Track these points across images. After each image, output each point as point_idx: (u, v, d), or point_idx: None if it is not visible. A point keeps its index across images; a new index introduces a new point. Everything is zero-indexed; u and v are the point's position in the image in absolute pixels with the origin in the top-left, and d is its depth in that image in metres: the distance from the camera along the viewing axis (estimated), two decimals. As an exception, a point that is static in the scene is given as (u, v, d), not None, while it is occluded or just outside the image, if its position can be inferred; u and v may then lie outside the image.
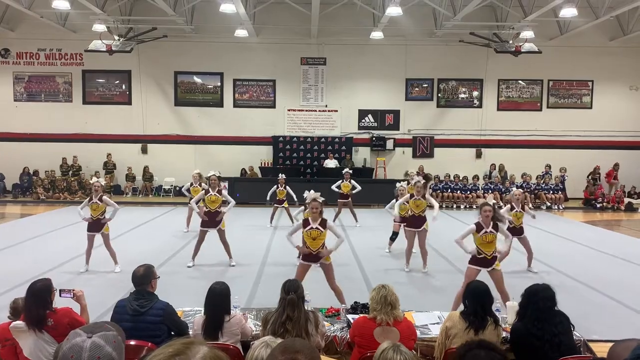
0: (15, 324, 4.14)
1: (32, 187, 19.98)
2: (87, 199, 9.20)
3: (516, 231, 9.30)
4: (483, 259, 6.57)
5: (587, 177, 20.36)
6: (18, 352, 4.13)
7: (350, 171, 14.58)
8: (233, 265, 9.56)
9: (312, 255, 6.69)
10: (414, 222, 9.35)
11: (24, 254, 10.41)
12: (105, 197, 9.16)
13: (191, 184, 13.04)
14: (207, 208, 9.55)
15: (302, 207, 9.75)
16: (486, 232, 6.58)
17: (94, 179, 9.53)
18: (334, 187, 13.63)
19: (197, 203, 10.20)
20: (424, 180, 9.53)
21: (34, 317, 4.08)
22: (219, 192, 9.65)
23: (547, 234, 13.49)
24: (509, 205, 9.48)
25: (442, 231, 11.43)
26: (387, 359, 2.82)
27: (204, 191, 9.84)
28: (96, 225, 9.00)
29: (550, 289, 4.29)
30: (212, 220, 9.47)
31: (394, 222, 10.83)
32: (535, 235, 13.03)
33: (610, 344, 2.54)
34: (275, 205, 13.78)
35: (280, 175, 13.95)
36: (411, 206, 9.35)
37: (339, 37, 20.21)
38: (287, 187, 13.65)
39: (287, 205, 13.66)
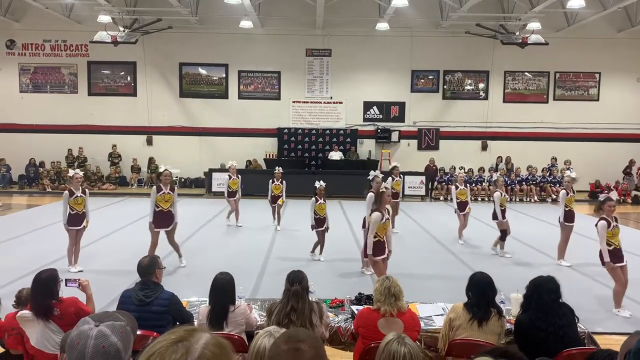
0: (22, 314, 4.18)
1: (38, 178, 20.08)
2: (68, 195, 8.48)
3: (572, 216, 9.43)
4: (615, 251, 6.95)
5: (623, 171, 20.19)
6: (25, 341, 4.17)
7: (398, 165, 13.02)
8: (183, 266, 8.82)
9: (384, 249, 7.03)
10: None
11: (30, 245, 10.48)
12: (86, 190, 8.87)
13: (230, 177, 12.67)
14: (158, 208, 8.62)
15: (313, 199, 9.64)
16: (614, 225, 7.06)
17: (72, 172, 8.82)
18: (387, 185, 11.88)
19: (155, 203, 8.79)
20: (382, 175, 8.82)
21: (41, 307, 4.12)
22: (172, 189, 8.80)
23: (552, 226, 13.44)
24: (564, 191, 9.50)
25: (446, 224, 11.42)
26: (392, 351, 2.82)
27: (155, 188, 8.74)
28: (80, 218, 8.58)
29: (554, 281, 4.28)
30: (166, 220, 8.69)
31: (498, 219, 10.14)
32: (542, 227, 13.03)
33: (615, 337, 2.54)
34: (272, 205, 12.51)
35: (277, 168, 12.75)
36: None
37: (344, 28, 20.12)
38: (284, 182, 12.46)
39: (282, 203, 12.50)
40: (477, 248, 10.56)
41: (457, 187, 11.29)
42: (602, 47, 20.39)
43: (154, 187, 8.78)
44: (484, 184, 19.13)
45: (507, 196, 11.29)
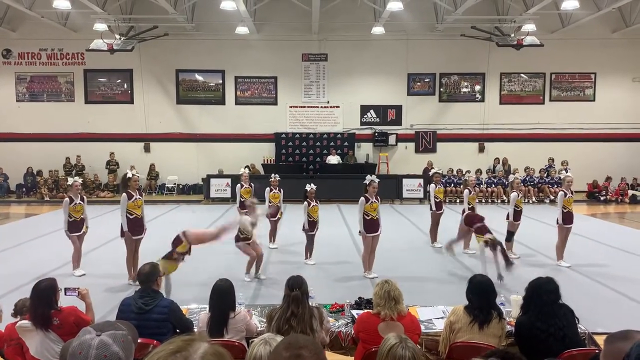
0: (21, 324, 4.17)
1: (35, 187, 20.04)
2: (68, 202, 8.60)
3: (570, 217, 9.40)
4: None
5: None
6: (25, 351, 4.16)
7: (441, 171, 12.04)
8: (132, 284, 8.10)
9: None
10: (375, 226, 8.66)
11: (29, 254, 10.45)
12: (84, 197, 9.02)
13: (242, 186, 11.45)
14: (132, 215, 8.26)
15: (306, 203, 9.62)
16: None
17: (71, 180, 8.97)
18: (432, 196, 11.13)
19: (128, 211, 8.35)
20: (378, 180, 8.73)
21: (40, 317, 4.11)
22: (141, 194, 8.58)
23: (551, 227, 13.45)
24: (562, 192, 9.52)
25: (445, 226, 11.42)
26: (397, 356, 2.81)
27: (125, 195, 8.27)
28: (80, 225, 8.74)
29: (553, 282, 4.28)
30: (141, 226, 8.46)
31: (510, 220, 10.01)
32: (541, 228, 13.05)
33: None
34: (270, 219, 10.79)
35: (273, 175, 11.33)
36: (368, 210, 8.55)
37: (340, 33, 20.18)
38: (282, 190, 11.16)
39: (280, 216, 11.03)
40: (476, 250, 10.54)
41: (469, 192, 10.62)
42: (597, 47, 20.47)
43: (124, 194, 8.29)
44: (481, 185, 19.13)
45: (522, 197, 10.91)
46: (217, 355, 1.48)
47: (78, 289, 4.63)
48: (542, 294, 4.16)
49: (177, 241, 6.90)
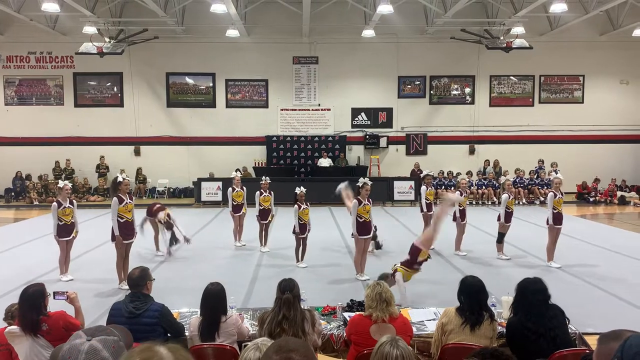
0: (10, 329, 4.13)
1: (24, 191, 19.86)
2: (57, 206, 8.55)
3: (560, 218, 9.47)
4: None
5: None
6: (14, 357, 4.12)
7: (432, 173, 12.04)
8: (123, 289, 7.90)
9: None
10: (367, 228, 8.67)
11: (17, 259, 10.35)
12: (74, 200, 8.94)
13: (233, 189, 11.42)
14: (122, 219, 8.21)
15: (296, 207, 9.63)
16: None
17: (62, 183, 8.90)
18: (423, 201, 11.24)
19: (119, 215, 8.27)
20: (371, 182, 8.75)
21: (28, 322, 4.07)
22: (131, 198, 8.52)
23: (541, 228, 13.53)
24: (552, 193, 9.57)
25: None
26: (384, 353, 2.81)
27: (116, 199, 8.19)
28: (69, 229, 8.65)
29: (541, 282, 4.29)
30: (132, 230, 8.42)
31: (500, 221, 10.10)
32: (531, 229, 13.12)
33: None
34: (261, 222, 10.87)
35: (263, 178, 11.17)
36: (361, 212, 8.54)
37: (331, 36, 20.22)
38: (272, 192, 11.04)
39: (271, 219, 11.06)
40: (468, 252, 10.60)
41: (461, 194, 10.54)
42: (586, 50, 20.67)
43: (115, 199, 8.21)
44: (472, 187, 19.22)
45: (513, 199, 10.88)
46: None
47: (67, 292, 4.59)
48: (529, 295, 4.19)
49: (415, 250, 6.85)
